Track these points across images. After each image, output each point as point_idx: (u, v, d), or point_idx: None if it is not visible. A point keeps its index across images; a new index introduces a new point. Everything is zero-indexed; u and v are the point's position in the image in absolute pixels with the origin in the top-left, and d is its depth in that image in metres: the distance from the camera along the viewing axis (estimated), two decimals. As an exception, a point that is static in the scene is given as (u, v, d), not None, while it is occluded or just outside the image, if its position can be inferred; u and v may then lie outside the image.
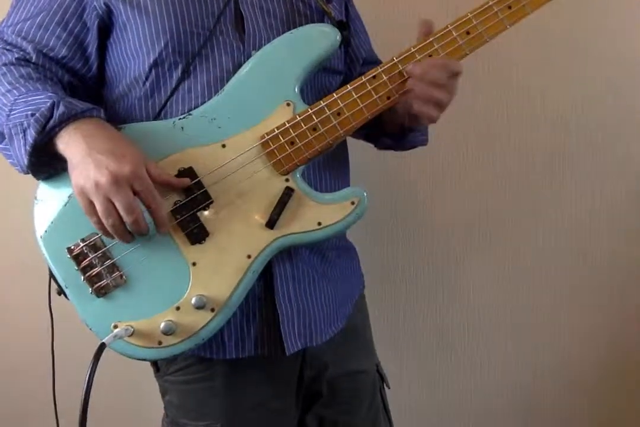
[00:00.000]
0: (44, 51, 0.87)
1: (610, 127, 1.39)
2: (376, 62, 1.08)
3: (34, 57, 0.87)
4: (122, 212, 0.76)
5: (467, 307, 1.46)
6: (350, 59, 1.03)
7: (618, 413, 1.46)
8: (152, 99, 0.88)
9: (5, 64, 0.86)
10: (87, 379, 0.70)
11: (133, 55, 0.88)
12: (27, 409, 1.43)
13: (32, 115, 0.78)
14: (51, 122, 0.78)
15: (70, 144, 0.78)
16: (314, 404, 0.98)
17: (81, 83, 0.92)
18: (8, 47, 0.88)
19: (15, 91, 0.83)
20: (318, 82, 0.93)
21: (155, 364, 0.95)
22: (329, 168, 0.92)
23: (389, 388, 1.08)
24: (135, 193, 0.76)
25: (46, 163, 0.82)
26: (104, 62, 0.91)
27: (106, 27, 0.89)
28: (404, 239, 1.45)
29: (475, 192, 1.43)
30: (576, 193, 1.42)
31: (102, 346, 0.74)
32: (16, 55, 0.87)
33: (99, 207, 0.76)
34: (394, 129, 0.98)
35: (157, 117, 0.88)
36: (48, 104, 0.78)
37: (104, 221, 0.77)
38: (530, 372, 1.47)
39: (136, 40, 0.87)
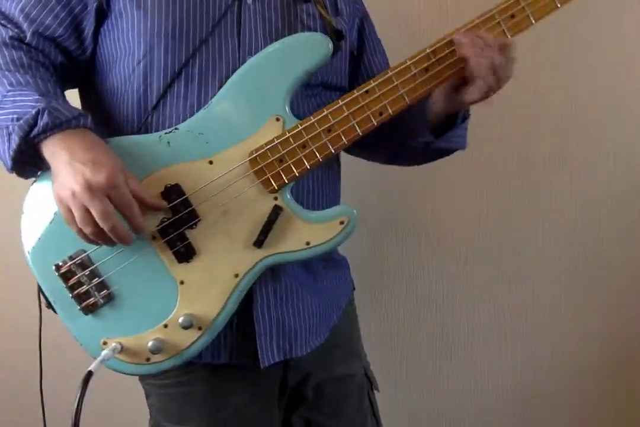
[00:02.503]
0: (40, 30, 0.85)
1: (610, 127, 1.39)
2: None
3: (28, 37, 0.85)
4: (98, 220, 0.75)
5: (467, 307, 1.45)
6: (362, 77, 0.99)
7: (618, 413, 1.47)
8: (144, 96, 0.86)
9: None
10: (75, 406, 0.71)
11: (125, 47, 0.86)
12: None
13: (18, 119, 0.77)
14: (35, 130, 0.77)
15: (54, 153, 0.78)
16: (299, 406, 0.98)
17: (74, 65, 0.90)
18: (4, 22, 0.86)
19: (5, 81, 0.81)
20: (319, 99, 0.90)
21: None
22: (320, 182, 0.90)
23: (377, 391, 1.08)
24: (111, 201, 0.75)
25: (31, 164, 0.82)
26: (97, 47, 0.89)
27: (103, 13, 0.87)
28: (404, 239, 1.44)
29: (475, 192, 1.42)
30: (576, 193, 1.41)
31: (90, 374, 0.74)
32: (10, 34, 0.85)
33: (76, 215, 0.76)
34: (432, 123, 0.92)
35: (149, 118, 0.86)
36: (33, 112, 0.77)
37: (83, 229, 0.77)
38: (530, 372, 1.47)
39: (129, 32, 0.85)
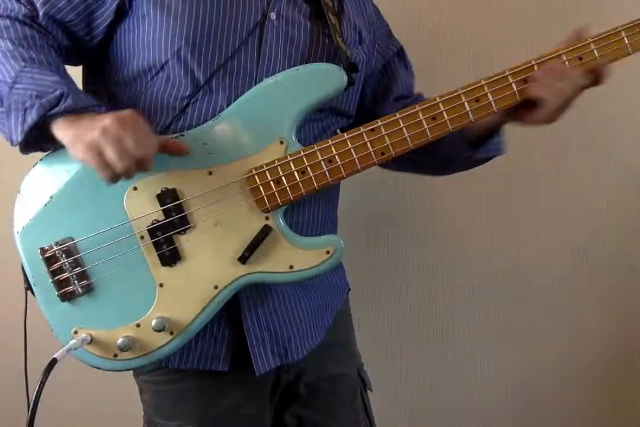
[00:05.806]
0: (51, 13, 0.85)
1: (610, 127, 1.39)
2: (411, 96, 1.04)
3: (39, 16, 0.85)
4: (135, 145, 0.73)
5: (467, 307, 1.45)
6: (378, 99, 1.02)
7: (617, 413, 1.48)
8: (161, 99, 0.87)
9: (9, 17, 0.84)
10: (35, 393, 0.73)
11: (145, 49, 0.86)
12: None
13: (38, 97, 0.78)
14: (55, 110, 0.78)
15: (65, 129, 0.78)
16: (291, 404, 1.00)
17: (79, 49, 0.90)
18: None
19: (18, 56, 0.81)
20: (324, 123, 0.91)
21: None
22: (317, 208, 0.92)
23: (371, 391, 1.09)
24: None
25: (39, 140, 0.82)
26: (110, 40, 0.89)
27: (124, 11, 0.87)
28: (404, 239, 1.44)
29: (475, 192, 1.42)
30: (576, 193, 1.42)
31: (54, 361, 0.75)
32: (23, 11, 0.84)
33: (111, 151, 0.73)
34: (472, 136, 0.94)
35: (161, 122, 0.87)
36: (57, 93, 0.78)
37: (119, 162, 0.74)
38: (530, 372, 1.47)
39: (151, 36, 0.86)
